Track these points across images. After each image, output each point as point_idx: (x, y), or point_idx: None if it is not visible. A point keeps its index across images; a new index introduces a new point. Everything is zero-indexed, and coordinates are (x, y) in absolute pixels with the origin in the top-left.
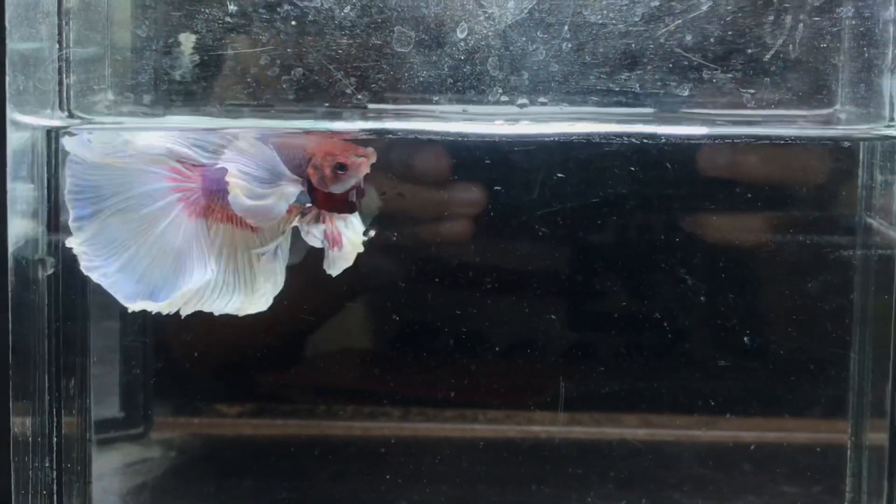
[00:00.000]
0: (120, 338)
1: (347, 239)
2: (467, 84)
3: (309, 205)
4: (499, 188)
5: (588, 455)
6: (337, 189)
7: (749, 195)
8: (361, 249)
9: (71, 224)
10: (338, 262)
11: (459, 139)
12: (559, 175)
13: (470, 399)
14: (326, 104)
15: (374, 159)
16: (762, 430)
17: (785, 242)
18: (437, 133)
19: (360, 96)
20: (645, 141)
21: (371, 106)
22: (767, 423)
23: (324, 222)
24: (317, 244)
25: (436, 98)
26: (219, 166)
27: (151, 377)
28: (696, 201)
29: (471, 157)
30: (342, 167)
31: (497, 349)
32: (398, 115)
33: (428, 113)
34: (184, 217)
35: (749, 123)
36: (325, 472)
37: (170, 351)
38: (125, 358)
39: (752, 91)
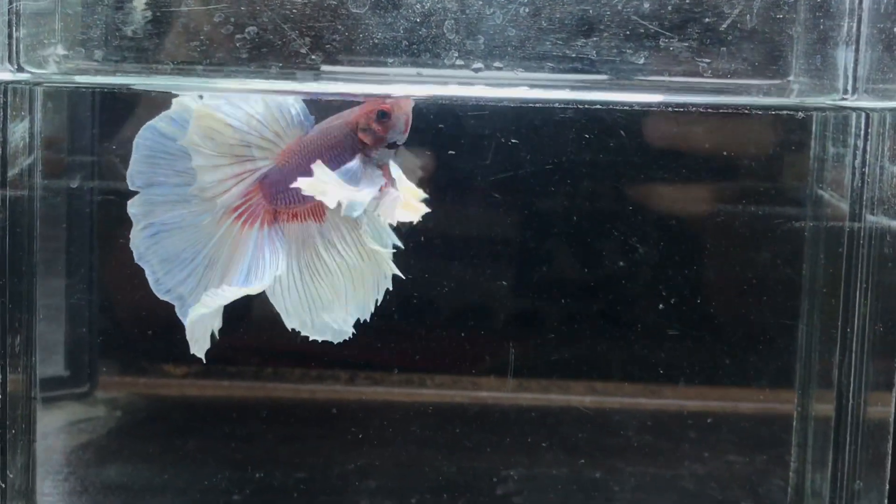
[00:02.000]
0: (66, 295)
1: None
2: (423, 47)
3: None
4: (452, 152)
5: (536, 421)
6: (392, 137)
7: (701, 165)
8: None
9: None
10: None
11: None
12: (512, 141)
13: (419, 364)
14: (280, 64)
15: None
16: (709, 399)
17: (736, 212)
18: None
19: (313, 57)
20: (599, 107)
21: (325, 67)
22: (715, 392)
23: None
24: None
25: (390, 60)
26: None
27: (97, 336)
28: (648, 170)
29: (424, 121)
30: (384, 115)
31: (447, 315)
32: (352, 77)
33: (382, 75)
34: (243, 231)
35: (704, 92)
36: (271, 434)
37: (116, 310)
38: (71, 316)
39: (708, 60)
